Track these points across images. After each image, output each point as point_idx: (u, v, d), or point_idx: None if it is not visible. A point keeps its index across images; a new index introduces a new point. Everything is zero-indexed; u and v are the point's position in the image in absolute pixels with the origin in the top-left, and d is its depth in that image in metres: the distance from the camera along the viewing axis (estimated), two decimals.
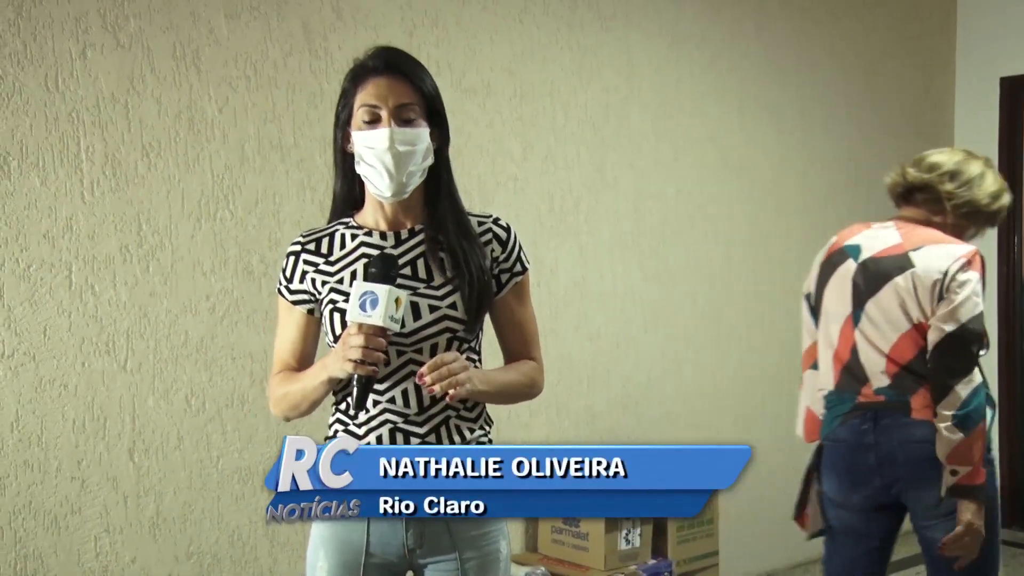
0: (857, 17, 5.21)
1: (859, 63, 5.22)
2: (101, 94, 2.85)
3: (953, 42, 5.77)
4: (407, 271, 1.91)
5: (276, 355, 2.01)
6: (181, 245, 3.00)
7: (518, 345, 2.03)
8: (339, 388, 1.94)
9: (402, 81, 1.93)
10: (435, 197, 1.97)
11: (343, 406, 1.95)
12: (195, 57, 3.02)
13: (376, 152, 1.89)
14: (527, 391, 2.01)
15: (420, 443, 1.89)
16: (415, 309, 1.88)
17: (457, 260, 1.92)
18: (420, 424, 1.90)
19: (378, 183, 1.91)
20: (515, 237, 2.00)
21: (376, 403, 1.90)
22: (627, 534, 3.61)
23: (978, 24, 5.68)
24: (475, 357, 1.96)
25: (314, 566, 1.94)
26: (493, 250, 1.97)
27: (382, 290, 1.78)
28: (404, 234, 1.96)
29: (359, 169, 1.93)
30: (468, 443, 1.93)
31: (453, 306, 1.91)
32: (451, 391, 1.81)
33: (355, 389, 1.82)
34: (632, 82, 4.21)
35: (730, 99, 4.61)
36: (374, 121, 1.90)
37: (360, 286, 1.79)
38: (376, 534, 1.91)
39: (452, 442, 1.91)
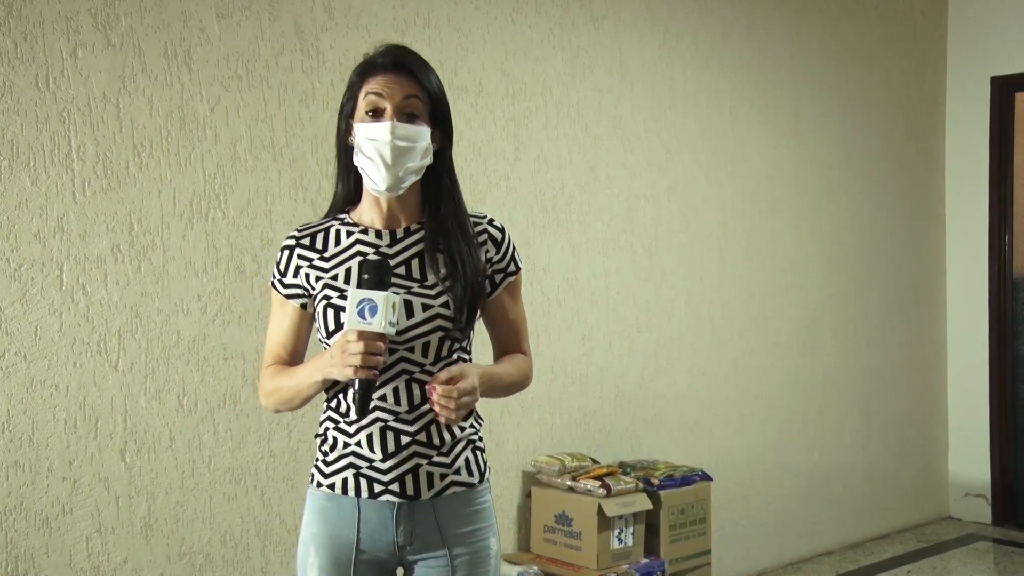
0: (849, 17, 5.22)
1: (851, 63, 5.23)
2: (92, 93, 2.85)
3: (945, 42, 5.79)
4: (401, 271, 1.92)
5: (268, 347, 2.04)
6: (173, 245, 2.99)
7: (510, 341, 2.08)
8: (331, 386, 1.95)
9: (409, 78, 1.95)
10: (436, 199, 1.99)
11: (334, 404, 1.96)
12: (186, 56, 3.02)
13: (376, 144, 1.90)
14: (522, 384, 2.07)
15: (410, 441, 1.90)
16: (408, 308, 1.89)
17: (455, 263, 1.93)
18: (411, 422, 1.90)
19: (374, 176, 1.92)
20: (509, 238, 2.04)
21: None
22: (620, 533, 3.60)
23: (969, 24, 5.70)
24: (467, 357, 1.98)
25: (305, 563, 1.95)
26: (488, 251, 1.99)
27: (380, 297, 1.80)
28: (400, 233, 1.97)
29: (357, 161, 1.95)
30: (457, 440, 1.94)
31: (446, 305, 1.91)
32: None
33: (357, 394, 1.84)
34: (624, 81, 4.21)
35: (722, 99, 4.62)
36: (378, 114, 1.93)
37: (357, 293, 1.81)
38: (367, 531, 1.92)
39: (442, 439, 1.92)
